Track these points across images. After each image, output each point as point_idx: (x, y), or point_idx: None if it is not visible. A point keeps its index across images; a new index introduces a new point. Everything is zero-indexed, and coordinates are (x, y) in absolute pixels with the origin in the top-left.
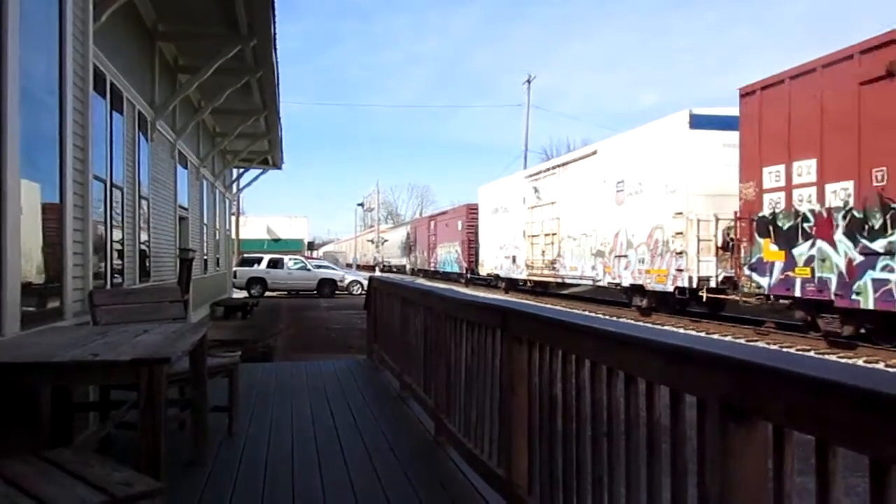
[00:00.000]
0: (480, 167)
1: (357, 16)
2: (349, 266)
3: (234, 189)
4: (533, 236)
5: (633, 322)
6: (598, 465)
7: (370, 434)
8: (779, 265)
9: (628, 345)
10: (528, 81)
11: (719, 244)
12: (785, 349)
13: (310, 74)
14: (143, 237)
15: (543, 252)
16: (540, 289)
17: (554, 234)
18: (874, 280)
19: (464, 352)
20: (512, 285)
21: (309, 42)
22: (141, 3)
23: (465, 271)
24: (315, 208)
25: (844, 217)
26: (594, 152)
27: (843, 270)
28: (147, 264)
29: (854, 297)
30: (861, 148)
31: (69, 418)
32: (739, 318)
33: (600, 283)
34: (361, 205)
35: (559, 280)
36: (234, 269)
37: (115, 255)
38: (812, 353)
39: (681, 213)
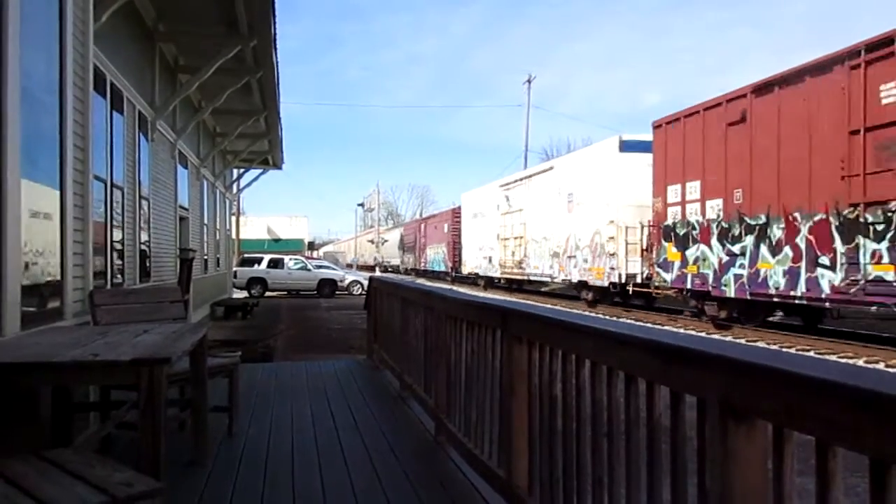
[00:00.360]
0: (481, 167)
1: (357, 16)
2: (349, 266)
3: (235, 189)
4: (505, 239)
5: (633, 322)
6: (599, 465)
7: (370, 434)
8: (677, 264)
9: (628, 345)
10: (529, 81)
11: (644, 247)
12: (785, 349)
13: (310, 75)
14: (144, 237)
15: (513, 253)
16: (515, 286)
17: (521, 238)
18: (734, 275)
19: (464, 352)
20: (489, 282)
21: (309, 42)
22: (141, 3)
23: (450, 270)
24: (316, 208)
25: (717, 227)
26: (551, 168)
27: (716, 268)
28: (147, 264)
29: (723, 288)
30: (727, 174)
31: (69, 418)
32: (668, 308)
33: (556, 280)
34: (362, 205)
35: (526, 278)
36: (235, 269)
37: (116, 255)
38: (812, 353)
39: (612, 221)
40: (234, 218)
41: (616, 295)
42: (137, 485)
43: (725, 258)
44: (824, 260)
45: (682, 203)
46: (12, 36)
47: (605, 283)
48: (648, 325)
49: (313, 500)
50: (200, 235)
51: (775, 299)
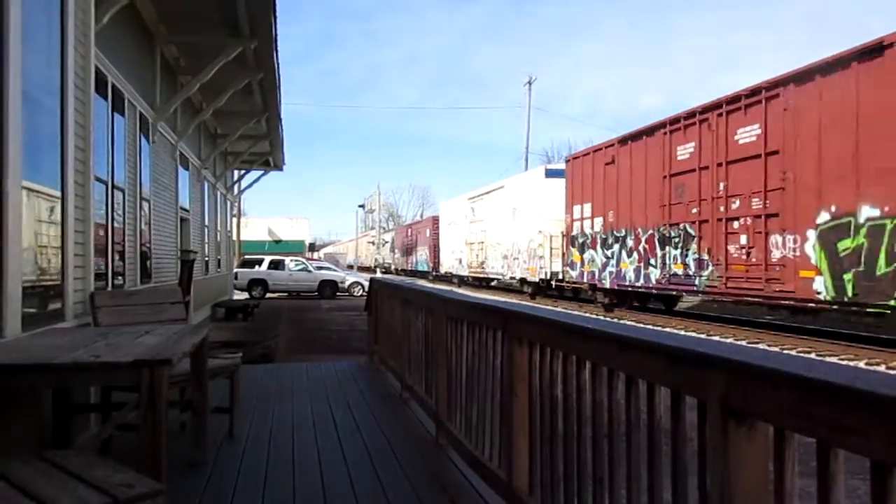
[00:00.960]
0: (481, 168)
1: (358, 16)
2: (350, 267)
3: (236, 190)
4: (471, 244)
5: (632, 324)
6: (599, 466)
7: (371, 435)
8: (579, 264)
9: (629, 347)
10: (529, 83)
11: (563, 251)
12: (786, 351)
13: (311, 75)
14: (145, 239)
15: (477, 255)
16: (481, 283)
17: (483, 243)
18: (609, 272)
19: (465, 353)
20: (462, 280)
21: (311, 43)
22: (142, 4)
23: (431, 270)
24: (318, 210)
25: (599, 237)
26: (503, 186)
27: (599, 267)
28: (148, 266)
29: (603, 281)
30: (604, 199)
31: (70, 420)
32: (579, 298)
33: (506, 277)
34: (363, 206)
35: (486, 276)
36: (236, 270)
37: (117, 256)
38: (813, 355)
39: (541, 231)
40: (234, 219)
41: (548, 288)
42: (138, 486)
43: (604, 259)
44: (652, 261)
45: (581, 219)
46: (14, 37)
47: (538, 279)
48: (573, 312)
49: (314, 501)
50: (201, 237)
51: (629, 288)
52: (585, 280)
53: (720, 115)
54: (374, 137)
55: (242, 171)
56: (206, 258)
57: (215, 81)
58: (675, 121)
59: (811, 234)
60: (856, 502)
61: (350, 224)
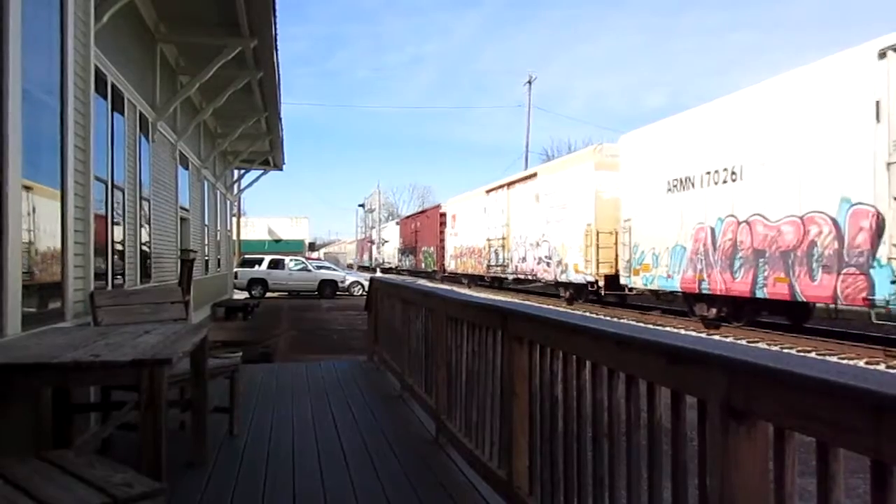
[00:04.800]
0: (482, 168)
1: (363, 18)
2: (350, 267)
3: (235, 190)
4: (489, 240)
5: (633, 323)
6: (599, 465)
7: (371, 435)
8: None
9: (629, 346)
10: (529, 82)
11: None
12: (785, 350)
13: (316, 76)
14: (145, 238)
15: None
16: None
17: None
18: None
19: (465, 353)
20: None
21: (316, 44)
22: (142, 4)
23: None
24: (319, 209)
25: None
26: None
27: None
28: (148, 265)
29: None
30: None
31: (70, 419)
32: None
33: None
34: (363, 205)
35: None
36: (235, 270)
37: (117, 255)
38: (813, 354)
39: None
40: (234, 219)
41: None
42: (138, 486)
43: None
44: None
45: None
46: (13, 37)
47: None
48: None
49: (314, 500)
50: (201, 236)
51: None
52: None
53: None
54: (375, 137)
55: (242, 171)
56: (206, 258)
57: (215, 81)
58: (432, 209)
59: None
60: (856, 502)
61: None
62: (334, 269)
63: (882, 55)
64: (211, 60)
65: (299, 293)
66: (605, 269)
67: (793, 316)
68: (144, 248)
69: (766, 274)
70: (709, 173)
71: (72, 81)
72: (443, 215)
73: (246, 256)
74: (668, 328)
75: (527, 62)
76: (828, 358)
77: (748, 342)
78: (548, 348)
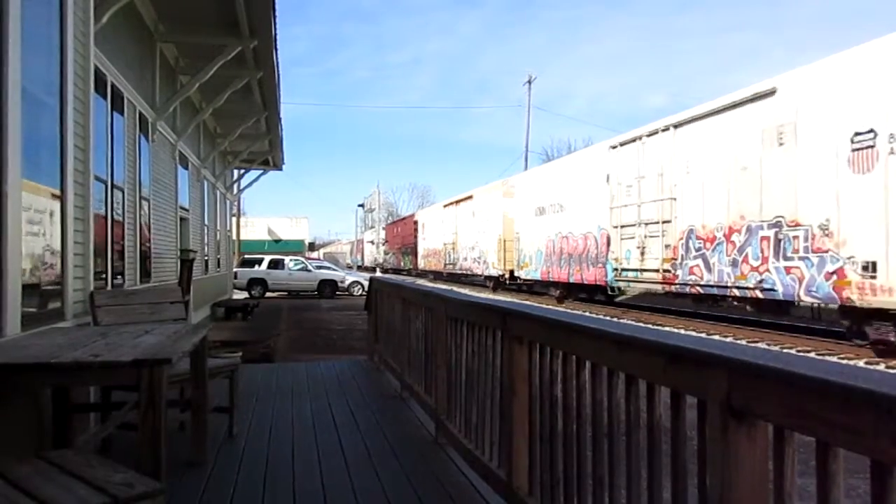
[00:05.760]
0: (482, 167)
1: (365, 18)
2: (349, 267)
3: (235, 190)
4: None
5: (633, 323)
6: (599, 465)
7: (371, 435)
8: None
9: (629, 346)
10: (529, 82)
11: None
12: (785, 350)
13: (317, 76)
14: (144, 238)
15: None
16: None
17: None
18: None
19: (464, 353)
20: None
21: (317, 44)
22: (142, 4)
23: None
24: (319, 209)
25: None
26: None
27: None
28: (148, 265)
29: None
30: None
31: (70, 419)
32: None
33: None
34: (362, 205)
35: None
36: (235, 269)
37: (116, 255)
38: (813, 354)
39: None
40: (234, 219)
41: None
42: (138, 485)
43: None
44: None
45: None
46: (13, 37)
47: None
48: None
49: (314, 500)
50: (201, 236)
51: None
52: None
53: None
54: (376, 137)
55: (242, 171)
56: (206, 257)
57: (215, 81)
58: (410, 217)
59: None
60: (856, 502)
61: (350, 224)
62: (334, 269)
63: (613, 148)
64: (211, 60)
65: (299, 293)
66: (510, 266)
67: (589, 292)
68: (144, 247)
69: (574, 268)
70: (552, 205)
71: (71, 81)
72: (416, 223)
73: (246, 256)
74: (668, 328)
75: (527, 62)
76: (828, 358)
77: (748, 342)
78: (547, 348)
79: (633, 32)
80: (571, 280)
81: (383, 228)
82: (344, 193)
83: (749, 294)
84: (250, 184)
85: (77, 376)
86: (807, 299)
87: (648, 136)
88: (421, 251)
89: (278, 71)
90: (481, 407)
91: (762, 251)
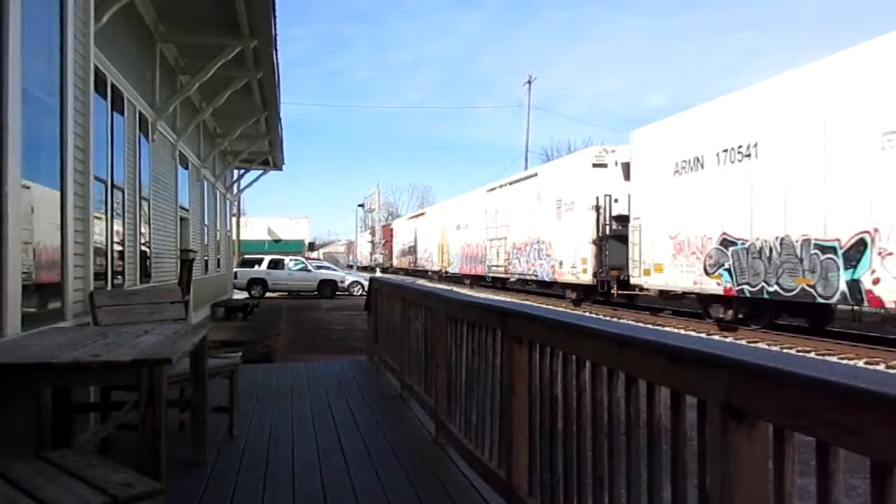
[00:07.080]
0: (482, 167)
1: (366, 18)
2: (349, 267)
3: (235, 190)
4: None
5: (633, 323)
6: (599, 465)
7: (371, 435)
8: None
9: (629, 346)
10: (529, 82)
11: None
12: (785, 350)
13: (318, 76)
14: (144, 238)
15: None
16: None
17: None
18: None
19: (464, 353)
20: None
21: (318, 44)
22: (142, 4)
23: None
24: (319, 209)
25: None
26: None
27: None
28: (148, 265)
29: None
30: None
31: (70, 419)
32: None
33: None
34: (362, 205)
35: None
36: (235, 270)
37: (116, 255)
38: (813, 354)
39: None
40: (234, 219)
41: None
42: (138, 485)
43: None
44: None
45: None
46: (13, 37)
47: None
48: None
49: (314, 500)
50: (201, 236)
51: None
52: (458, 271)
53: None
54: (376, 138)
55: (242, 171)
56: (206, 257)
57: (215, 81)
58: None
59: None
60: (856, 501)
61: (350, 224)
62: (334, 269)
63: (489, 191)
64: (211, 60)
65: (299, 293)
66: (444, 265)
67: (479, 281)
68: (144, 247)
69: (474, 266)
70: (463, 224)
71: (71, 81)
72: (392, 229)
73: (246, 256)
74: (668, 328)
75: (528, 63)
76: (828, 358)
77: (748, 342)
78: (547, 348)
79: (633, 32)
80: (473, 273)
81: (371, 232)
82: (344, 193)
83: (530, 277)
84: (250, 184)
85: (77, 376)
86: (546, 279)
87: (500, 187)
88: (396, 252)
89: (278, 71)
90: (481, 407)
91: (536, 255)
